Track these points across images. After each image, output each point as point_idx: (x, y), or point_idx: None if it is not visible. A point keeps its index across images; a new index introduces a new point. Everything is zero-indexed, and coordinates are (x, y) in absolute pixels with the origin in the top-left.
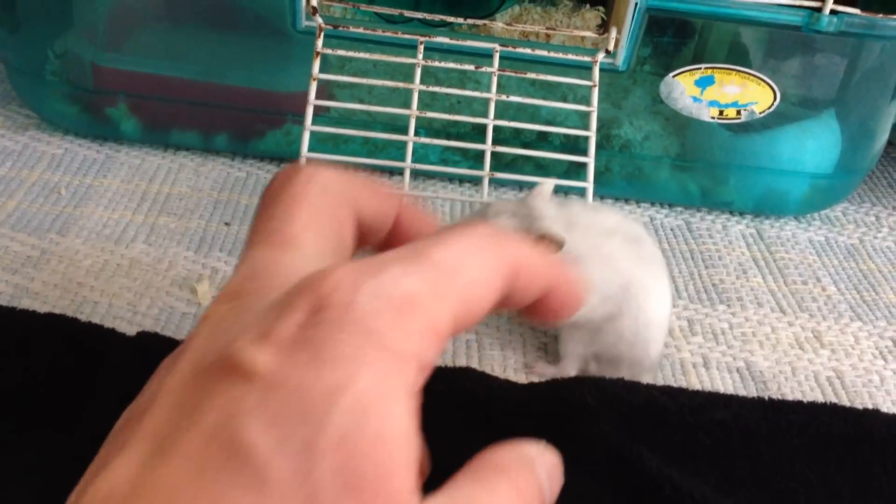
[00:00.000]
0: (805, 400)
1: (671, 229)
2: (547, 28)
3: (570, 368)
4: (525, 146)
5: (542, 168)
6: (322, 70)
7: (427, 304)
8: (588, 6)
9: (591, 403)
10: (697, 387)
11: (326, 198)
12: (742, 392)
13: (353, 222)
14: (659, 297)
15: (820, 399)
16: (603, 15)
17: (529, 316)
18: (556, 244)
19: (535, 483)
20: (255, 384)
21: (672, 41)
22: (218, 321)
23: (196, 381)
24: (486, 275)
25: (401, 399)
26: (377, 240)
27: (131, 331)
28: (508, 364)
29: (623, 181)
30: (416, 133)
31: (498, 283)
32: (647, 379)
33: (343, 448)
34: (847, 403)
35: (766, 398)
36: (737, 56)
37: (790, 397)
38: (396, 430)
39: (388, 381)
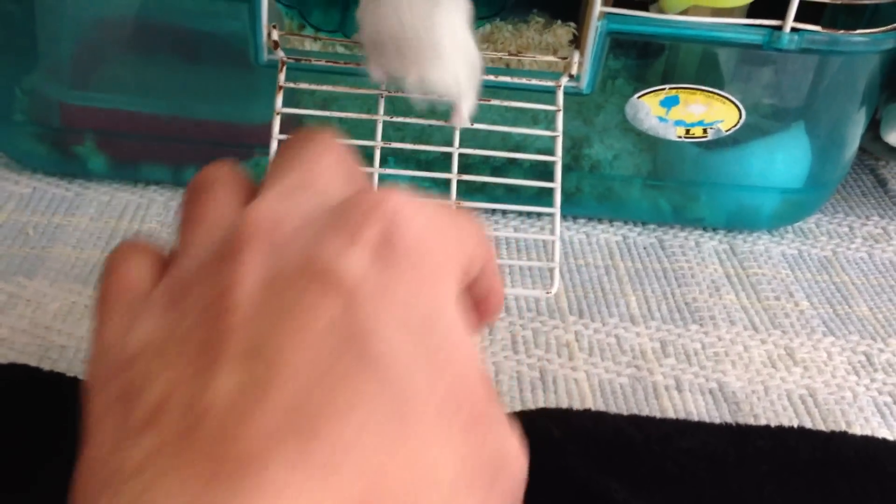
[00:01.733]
0: (777, 421)
1: (644, 248)
2: (513, 53)
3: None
4: (494, 171)
5: (513, 191)
6: (291, 99)
7: (469, 232)
8: (560, 22)
9: (556, 436)
10: (670, 410)
11: None
12: (714, 414)
13: None
14: None
15: (793, 419)
16: (575, 31)
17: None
18: None
19: None
20: (363, 291)
21: (638, 62)
22: (277, 222)
23: (284, 291)
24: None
25: (461, 318)
26: None
27: None
28: None
29: (594, 201)
30: (385, 161)
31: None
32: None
33: (455, 361)
34: (820, 421)
35: (734, 423)
36: (706, 72)
37: (762, 418)
38: (465, 337)
39: (455, 302)
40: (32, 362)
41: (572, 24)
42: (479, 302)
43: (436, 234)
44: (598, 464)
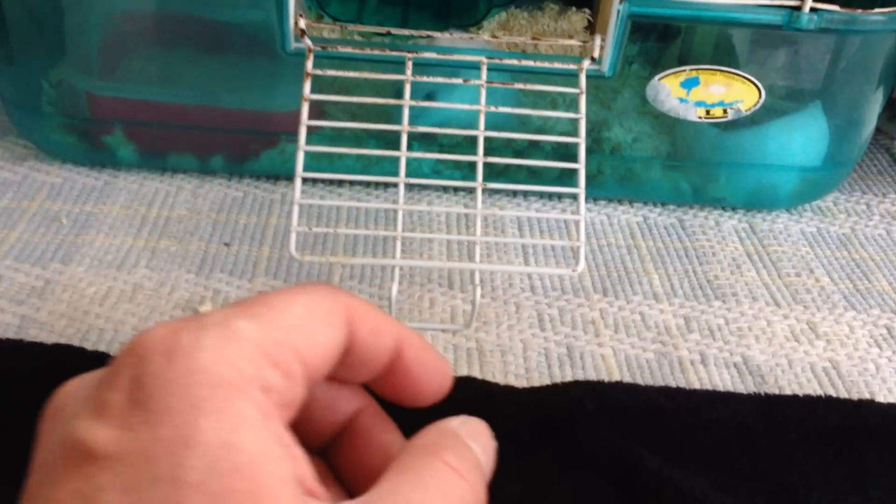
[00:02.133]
0: (802, 392)
1: (664, 228)
2: (533, 38)
3: None
4: (517, 153)
5: (535, 174)
6: (315, 86)
7: (253, 334)
8: (574, 8)
9: (590, 408)
10: (696, 384)
11: None
12: (740, 387)
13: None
14: None
15: (817, 391)
16: (589, 17)
17: (391, 393)
18: None
19: (466, 453)
20: (103, 462)
21: (655, 45)
22: (63, 398)
23: (49, 474)
24: (318, 312)
25: (250, 423)
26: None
27: None
28: (510, 370)
29: (615, 183)
30: (409, 146)
31: (336, 320)
32: None
33: (203, 492)
34: (844, 394)
35: (763, 394)
36: (722, 54)
37: (787, 390)
38: (254, 453)
39: (229, 413)
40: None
41: (587, 10)
42: (397, 370)
43: (209, 340)
44: (630, 434)
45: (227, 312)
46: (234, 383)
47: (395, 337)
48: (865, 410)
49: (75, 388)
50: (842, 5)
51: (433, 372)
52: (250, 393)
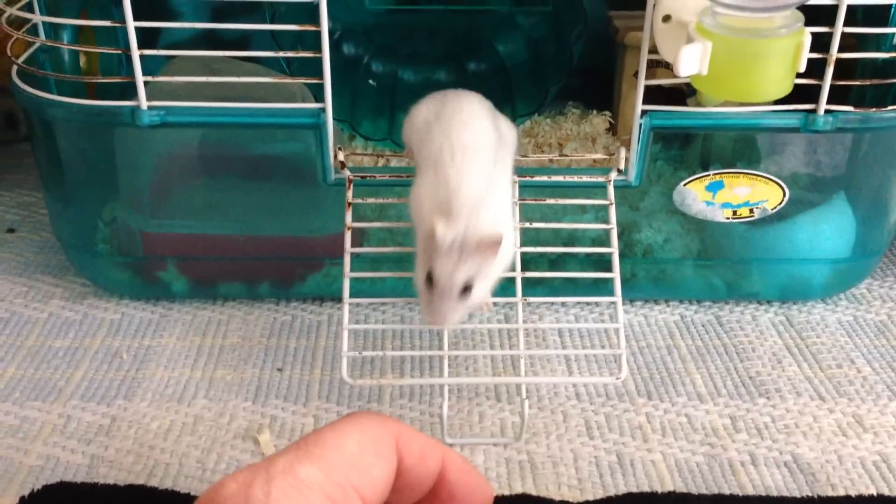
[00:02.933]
0: (854, 488)
1: (702, 325)
2: (560, 155)
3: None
4: (552, 263)
5: (571, 282)
6: (355, 213)
7: (317, 479)
8: (595, 112)
9: None
10: (748, 485)
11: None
12: (792, 486)
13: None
14: None
15: (869, 486)
16: (610, 119)
17: None
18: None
19: None
20: None
21: (679, 152)
22: None
23: None
24: (370, 445)
25: None
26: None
27: (203, 489)
28: (562, 481)
29: (650, 284)
30: None
31: (386, 451)
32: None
33: None
34: None
35: (816, 496)
36: (743, 151)
37: (840, 488)
38: None
39: None
40: (140, 481)
41: (607, 112)
42: (445, 497)
43: (279, 491)
44: None
45: (290, 458)
46: None
47: (439, 461)
48: None
49: None
50: (854, 103)
51: (475, 493)
52: None
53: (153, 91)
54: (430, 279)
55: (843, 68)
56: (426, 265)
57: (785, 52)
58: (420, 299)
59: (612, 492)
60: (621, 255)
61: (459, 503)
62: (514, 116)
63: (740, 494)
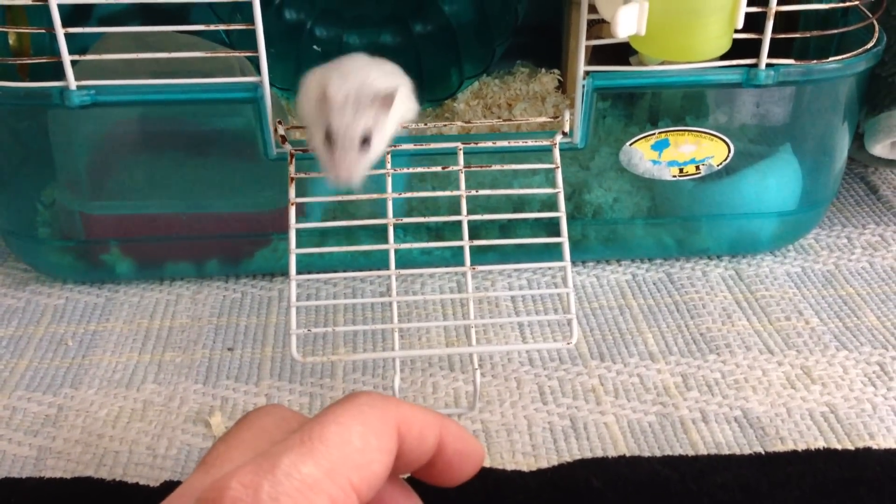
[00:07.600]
0: (803, 440)
1: (653, 283)
2: (505, 119)
3: None
4: (501, 229)
5: (523, 247)
6: (300, 187)
7: (322, 483)
8: (544, 70)
9: (597, 486)
10: (699, 443)
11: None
12: (742, 441)
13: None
14: None
15: (818, 437)
16: (559, 77)
17: (434, 477)
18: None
19: None
20: None
21: (624, 106)
22: None
23: None
24: (374, 440)
25: None
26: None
27: (154, 476)
28: (516, 448)
29: (601, 245)
30: (396, 235)
31: (388, 443)
32: None
33: None
34: (844, 438)
35: (763, 452)
36: (690, 106)
37: (789, 440)
38: None
39: None
40: (89, 471)
41: (556, 70)
42: (440, 457)
43: (286, 497)
44: None
45: (294, 457)
46: None
47: (437, 436)
48: (863, 460)
49: None
50: (796, 56)
51: (469, 459)
52: None
53: (86, 69)
54: (329, 138)
55: (788, 20)
56: (323, 127)
57: (722, 8)
58: (321, 161)
59: (566, 457)
60: (571, 217)
61: (455, 470)
62: (462, 78)
63: (690, 454)
